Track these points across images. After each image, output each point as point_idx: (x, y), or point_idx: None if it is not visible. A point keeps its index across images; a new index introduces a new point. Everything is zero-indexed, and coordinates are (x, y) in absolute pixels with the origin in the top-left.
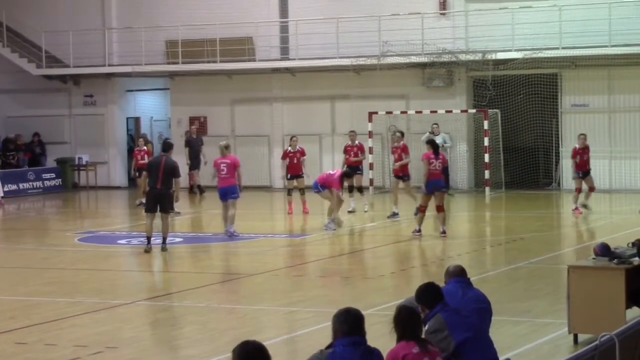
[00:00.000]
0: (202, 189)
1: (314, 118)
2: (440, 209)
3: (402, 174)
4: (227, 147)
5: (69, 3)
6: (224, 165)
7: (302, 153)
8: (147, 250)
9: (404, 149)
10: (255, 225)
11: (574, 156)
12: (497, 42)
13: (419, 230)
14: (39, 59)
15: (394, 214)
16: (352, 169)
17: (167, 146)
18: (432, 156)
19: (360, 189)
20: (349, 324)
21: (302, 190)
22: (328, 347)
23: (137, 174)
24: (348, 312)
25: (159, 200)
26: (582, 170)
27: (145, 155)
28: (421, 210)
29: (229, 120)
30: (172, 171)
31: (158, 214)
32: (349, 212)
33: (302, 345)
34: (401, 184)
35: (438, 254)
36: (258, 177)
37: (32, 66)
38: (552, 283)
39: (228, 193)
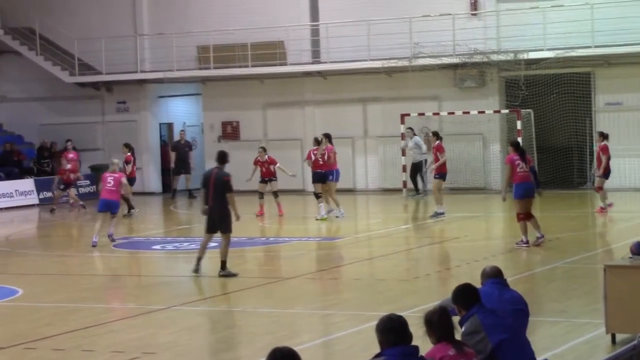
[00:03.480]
0: (192, 194)
1: (346, 121)
2: (529, 216)
3: (438, 173)
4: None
5: (101, 10)
6: (111, 178)
7: (272, 161)
8: (194, 271)
9: (439, 149)
10: (289, 229)
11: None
12: (529, 42)
13: (527, 242)
14: (71, 67)
15: (439, 214)
16: (318, 175)
17: (220, 158)
18: (516, 157)
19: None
20: (395, 332)
21: (275, 194)
22: (376, 356)
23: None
24: (391, 320)
25: (213, 219)
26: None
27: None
28: (521, 218)
29: (262, 124)
30: (223, 186)
31: None
32: (318, 219)
33: (338, 349)
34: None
35: (473, 256)
36: (291, 181)
37: (65, 74)
38: (589, 283)
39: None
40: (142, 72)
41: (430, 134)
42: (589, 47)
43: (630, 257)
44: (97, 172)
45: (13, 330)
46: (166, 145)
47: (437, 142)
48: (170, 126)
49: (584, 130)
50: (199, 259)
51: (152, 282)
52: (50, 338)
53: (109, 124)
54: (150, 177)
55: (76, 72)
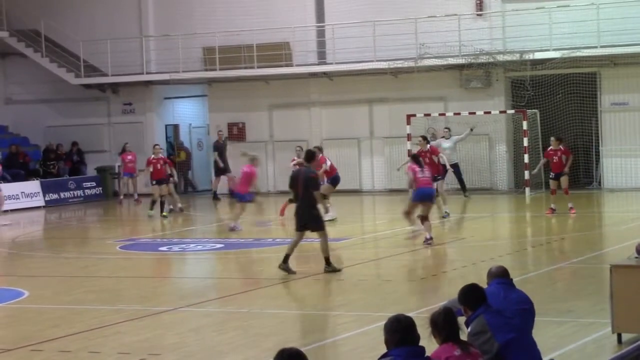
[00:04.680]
0: (216, 196)
1: (352, 122)
2: (426, 218)
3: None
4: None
5: (107, 12)
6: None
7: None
8: (283, 269)
9: (434, 151)
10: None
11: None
12: (535, 42)
13: (431, 237)
14: (77, 69)
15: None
16: (338, 179)
17: (307, 156)
18: (416, 167)
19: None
20: (401, 332)
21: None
22: (383, 356)
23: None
24: (398, 320)
25: (304, 217)
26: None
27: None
28: (423, 219)
29: (267, 125)
30: (309, 183)
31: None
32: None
33: (344, 350)
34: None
35: (480, 256)
36: None
37: (71, 76)
38: (595, 283)
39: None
40: (148, 73)
41: (420, 138)
42: (595, 47)
43: (636, 257)
44: (103, 174)
45: (19, 332)
46: (172, 146)
47: (429, 145)
48: (176, 127)
49: (590, 131)
50: (287, 256)
51: (158, 284)
52: (57, 340)
53: (115, 126)
54: None
55: (82, 73)
